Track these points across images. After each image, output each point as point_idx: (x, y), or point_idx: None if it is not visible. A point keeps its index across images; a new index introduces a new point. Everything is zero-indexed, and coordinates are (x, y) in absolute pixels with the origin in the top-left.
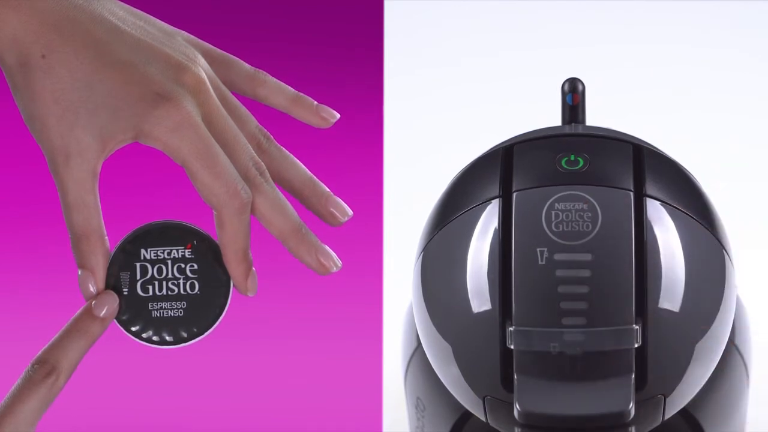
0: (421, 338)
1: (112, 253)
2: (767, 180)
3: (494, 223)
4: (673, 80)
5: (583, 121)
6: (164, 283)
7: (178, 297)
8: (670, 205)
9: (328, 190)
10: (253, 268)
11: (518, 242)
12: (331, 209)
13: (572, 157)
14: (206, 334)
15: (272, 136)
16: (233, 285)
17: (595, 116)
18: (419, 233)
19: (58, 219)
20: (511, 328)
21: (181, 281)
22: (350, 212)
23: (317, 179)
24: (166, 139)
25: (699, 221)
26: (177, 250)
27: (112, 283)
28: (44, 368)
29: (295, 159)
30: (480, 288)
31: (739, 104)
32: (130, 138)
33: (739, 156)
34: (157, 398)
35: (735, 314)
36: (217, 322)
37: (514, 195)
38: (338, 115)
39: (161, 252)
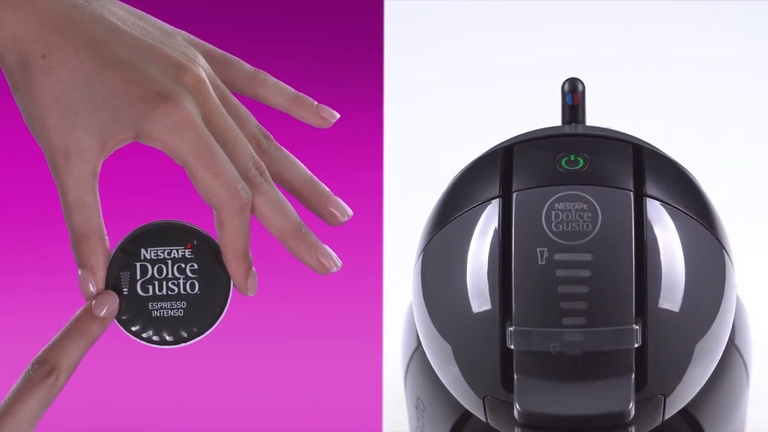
0: (421, 338)
1: (112, 253)
2: (767, 180)
3: (494, 223)
4: (673, 80)
5: (583, 121)
6: (164, 282)
7: (178, 297)
8: (670, 205)
9: (328, 189)
10: (253, 268)
11: (518, 242)
12: (331, 209)
13: (572, 157)
14: (206, 333)
15: (272, 136)
16: (233, 285)
17: (595, 116)
18: (419, 233)
19: (59, 219)
20: (511, 328)
21: (181, 281)
22: (350, 212)
23: (317, 179)
24: (166, 138)
25: (699, 221)
26: (177, 250)
27: (112, 283)
28: (44, 368)
29: (295, 159)
30: (480, 288)
31: (739, 104)
32: (130, 138)
33: (739, 156)
34: (157, 398)
35: (735, 314)
36: (217, 322)
37: (514, 195)
38: (338, 115)
39: (161, 252)
